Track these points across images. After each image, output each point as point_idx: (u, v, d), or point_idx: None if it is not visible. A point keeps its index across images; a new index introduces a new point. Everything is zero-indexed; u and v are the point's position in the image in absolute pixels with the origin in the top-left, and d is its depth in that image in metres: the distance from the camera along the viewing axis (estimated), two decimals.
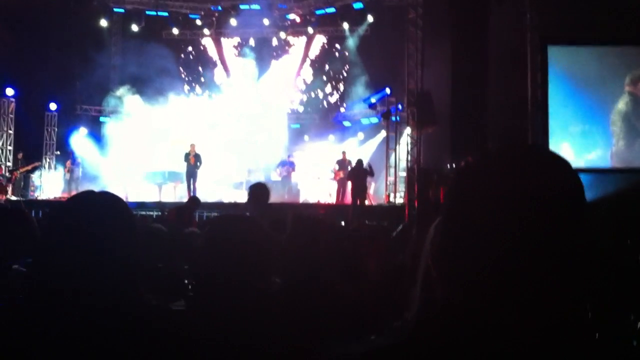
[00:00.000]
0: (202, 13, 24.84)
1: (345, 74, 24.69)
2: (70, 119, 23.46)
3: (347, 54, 24.27)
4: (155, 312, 1.74)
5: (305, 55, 25.50)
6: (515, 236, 1.01)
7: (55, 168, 22.93)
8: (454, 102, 13.91)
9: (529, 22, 15.36)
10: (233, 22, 24.25)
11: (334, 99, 25.36)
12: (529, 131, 15.05)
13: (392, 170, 19.38)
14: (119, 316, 1.61)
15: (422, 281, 1.25)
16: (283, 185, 20.19)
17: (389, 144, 19.41)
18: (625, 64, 15.02)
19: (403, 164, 18.57)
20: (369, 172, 17.00)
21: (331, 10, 23.68)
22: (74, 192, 15.50)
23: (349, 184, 17.41)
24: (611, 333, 1.08)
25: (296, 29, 24.87)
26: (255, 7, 23.99)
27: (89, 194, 1.81)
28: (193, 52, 26.09)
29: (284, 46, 25.60)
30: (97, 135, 23.74)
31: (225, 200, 19.29)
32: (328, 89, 25.36)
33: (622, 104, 14.86)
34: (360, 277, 2.93)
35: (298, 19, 24.58)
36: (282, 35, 24.89)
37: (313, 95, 25.52)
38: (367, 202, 17.06)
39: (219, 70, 26.19)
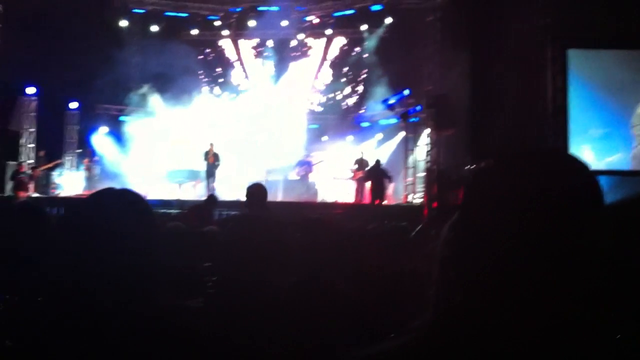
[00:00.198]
0: (221, 14, 24.90)
1: (364, 76, 24.64)
2: (90, 117, 23.64)
3: (365, 55, 24.21)
4: (173, 311, 1.74)
5: (324, 56, 25.48)
6: (530, 240, 1.01)
7: (77, 166, 23.12)
8: (473, 104, 13.86)
9: (549, 26, 15.24)
10: (252, 23, 24.29)
11: (352, 99, 25.33)
12: (548, 135, 14.94)
13: (410, 171, 19.32)
14: (136, 315, 1.61)
15: (437, 282, 1.25)
16: (301, 184, 20.20)
17: (408, 145, 19.35)
18: None
19: (422, 164, 18.51)
20: (387, 176, 16.96)
21: (350, 12, 23.65)
22: (93, 190, 15.55)
23: (368, 184, 17.39)
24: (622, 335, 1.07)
25: (314, 31, 24.85)
26: (274, 8, 24.01)
27: (109, 191, 1.81)
28: (212, 54, 26.16)
29: (303, 48, 25.60)
30: (117, 134, 23.90)
31: (244, 199, 19.28)
32: (347, 90, 25.33)
33: None
34: (378, 277, 2.93)
35: (316, 21, 24.56)
36: (301, 36, 24.89)
37: (332, 96, 25.50)
38: (385, 202, 17.02)
39: (237, 72, 26.25)
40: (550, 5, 15.11)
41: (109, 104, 24.52)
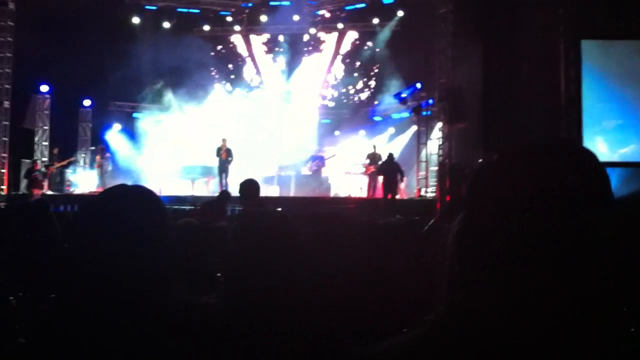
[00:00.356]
0: (233, 10, 24.93)
1: (375, 69, 24.59)
2: (103, 114, 23.77)
3: (377, 49, 24.14)
4: (187, 307, 1.75)
5: (337, 51, 25.44)
6: (532, 238, 1.00)
7: (90, 164, 23.25)
8: (485, 97, 13.79)
9: (562, 17, 15.13)
10: (263, 18, 24.30)
11: (364, 94, 25.29)
12: (562, 127, 14.86)
13: (423, 165, 19.27)
14: (151, 311, 1.62)
15: (448, 277, 1.25)
16: (314, 179, 20.21)
17: (420, 139, 19.30)
18: None
19: (434, 158, 18.46)
20: (400, 170, 16.93)
21: (361, 5, 23.59)
22: (106, 187, 15.60)
23: (380, 178, 17.36)
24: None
25: (326, 25, 24.82)
26: (286, 3, 24.00)
27: (122, 187, 1.81)
28: (224, 49, 26.18)
29: (315, 42, 25.57)
30: (130, 131, 24.02)
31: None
32: (358, 84, 25.29)
33: None
34: (390, 272, 2.92)
35: (328, 15, 24.53)
36: (312, 31, 24.86)
37: (344, 90, 25.47)
38: (398, 197, 16.99)
39: (249, 67, 26.28)
40: None
41: (122, 101, 24.64)
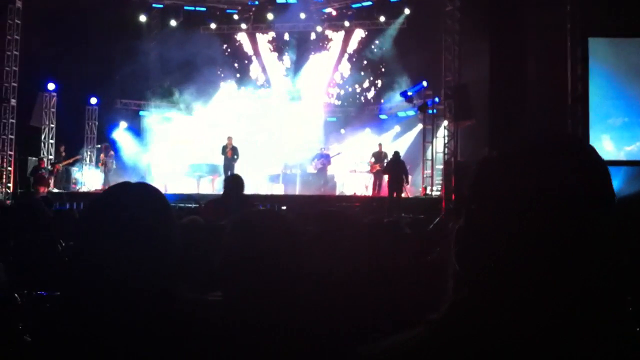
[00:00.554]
0: (239, 8, 24.96)
1: (382, 67, 24.57)
2: (110, 113, 23.82)
3: (384, 47, 24.13)
4: (191, 304, 1.75)
5: (344, 49, 25.43)
6: (532, 237, 1.00)
7: (96, 162, 23.31)
8: (492, 95, 13.75)
9: (569, 14, 15.07)
10: (270, 16, 24.32)
11: (370, 91, 25.28)
12: (568, 124, 14.82)
13: (428, 163, 19.25)
14: (155, 308, 1.61)
15: (454, 276, 1.24)
16: (319, 177, 20.21)
17: (426, 137, 19.28)
18: None
19: (440, 156, 18.43)
20: (405, 168, 16.91)
21: (368, 3, 23.60)
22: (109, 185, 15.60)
23: (386, 177, 17.35)
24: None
25: (333, 23, 24.83)
26: (292, 1, 24.01)
27: (125, 184, 1.81)
28: (231, 47, 26.21)
29: (322, 40, 25.57)
30: (136, 129, 24.07)
31: (262, 193, 19.37)
32: (364, 81, 25.28)
33: None
34: (395, 271, 2.92)
35: (334, 13, 24.53)
36: (319, 29, 24.86)
37: (350, 88, 25.47)
38: (403, 195, 16.98)
39: (255, 66, 26.29)
40: None
41: (128, 99, 24.69)
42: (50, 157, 21.60)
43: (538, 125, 13.42)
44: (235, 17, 25.02)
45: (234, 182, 6.79)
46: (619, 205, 1.09)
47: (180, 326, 1.62)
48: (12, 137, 19.78)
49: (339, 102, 25.67)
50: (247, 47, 26.19)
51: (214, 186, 20.57)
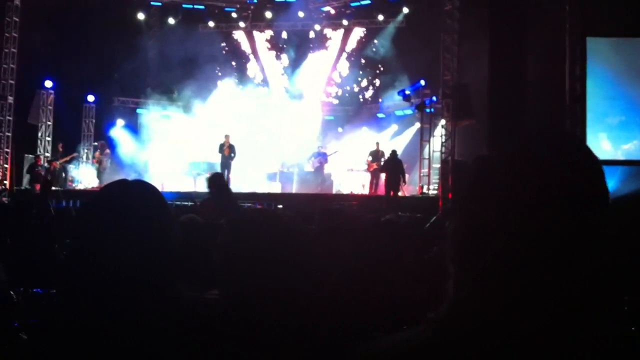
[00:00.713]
0: (238, 6, 24.94)
1: (380, 66, 24.56)
2: (107, 110, 23.79)
3: (382, 46, 24.12)
4: (190, 302, 1.74)
5: (342, 48, 25.42)
6: (529, 237, 1.00)
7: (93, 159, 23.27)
8: (491, 94, 13.76)
9: (568, 14, 15.10)
10: (268, 15, 24.30)
11: (368, 90, 25.27)
12: (566, 123, 14.86)
13: (426, 162, 19.26)
14: (154, 306, 1.61)
15: (453, 276, 1.24)
16: (316, 176, 20.20)
17: (423, 136, 19.28)
18: None
19: (437, 155, 18.43)
20: (402, 167, 16.92)
21: (366, 2, 23.59)
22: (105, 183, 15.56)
23: (382, 176, 17.35)
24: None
25: (331, 22, 24.81)
26: None
27: (123, 182, 1.80)
28: (229, 46, 26.19)
29: (321, 39, 25.55)
30: (133, 127, 24.04)
31: (259, 191, 19.36)
32: (363, 80, 25.27)
33: None
34: (393, 271, 2.92)
35: (333, 11, 24.52)
36: (317, 27, 24.84)
37: (348, 87, 25.46)
38: (400, 194, 16.99)
39: (253, 64, 26.27)
40: None
41: (126, 97, 24.66)
42: (47, 154, 21.56)
43: (537, 124, 13.41)
44: (234, 15, 24.98)
45: (219, 180, 6.82)
46: (617, 205, 1.09)
47: (180, 324, 1.62)
48: (9, 134, 19.76)
49: (337, 101, 25.66)
50: (245, 46, 26.17)
51: None
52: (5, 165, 19.61)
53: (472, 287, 1.05)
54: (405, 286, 2.78)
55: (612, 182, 12.99)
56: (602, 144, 14.38)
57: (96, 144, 23.05)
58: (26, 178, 19.88)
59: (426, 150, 19.17)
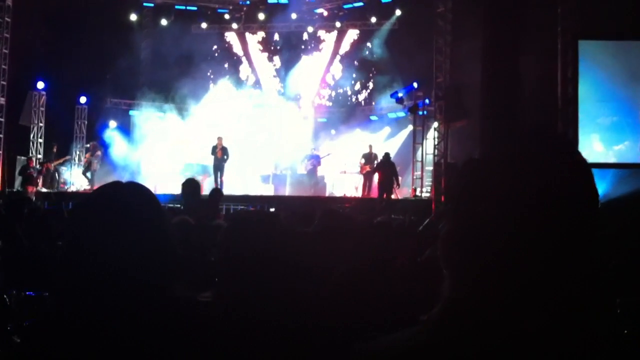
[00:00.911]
0: (231, 7, 24.92)
1: (373, 68, 24.59)
2: (100, 112, 23.71)
3: (375, 48, 24.14)
4: (185, 304, 1.74)
5: (336, 50, 25.43)
6: (527, 234, 1.00)
7: None
8: (484, 96, 13.80)
9: (560, 17, 15.18)
10: (261, 16, 24.30)
11: (361, 92, 25.29)
12: (559, 125, 14.93)
13: (418, 164, 19.28)
14: (149, 307, 1.60)
15: (449, 277, 1.25)
16: (309, 178, 20.19)
17: (416, 138, 19.30)
18: None
19: (430, 158, 18.46)
20: (394, 170, 16.94)
21: (359, 4, 23.62)
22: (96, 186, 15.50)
23: (375, 178, 17.36)
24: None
25: (324, 23, 24.82)
26: (284, 1, 24.00)
27: (116, 183, 1.79)
28: (222, 47, 26.17)
29: (314, 41, 25.55)
30: (126, 129, 23.97)
31: (252, 194, 19.34)
32: (356, 82, 25.28)
33: None
34: (388, 272, 2.92)
35: (326, 13, 24.53)
36: (310, 29, 24.85)
37: (341, 89, 25.47)
38: (393, 196, 17.00)
39: (245, 66, 26.26)
40: None
41: (119, 98, 24.59)
42: (39, 156, 21.46)
43: (530, 126, 13.45)
44: (227, 16, 24.97)
45: (187, 187, 6.86)
46: (608, 207, 1.10)
47: (174, 326, 1.62)
48: (1, 136, 19.66)
49: (330, 103, 25.66)
50: (238, 48, 26.15)
51: (204, 186, 20.50)
52: None
53: (471, 287, 1.06)
54: (402, 286, 2.78)
55: (604, 184, 13.06)
56: (594, 145, 14.48)
57: (88, 145, 22.94)
58: (18, 180, 19.77)
59: (419, 152, 19.20)
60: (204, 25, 24.95)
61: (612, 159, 14.59)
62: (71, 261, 1.67)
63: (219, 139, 18.99)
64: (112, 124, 23.61)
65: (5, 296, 2.89)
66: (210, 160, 19.30)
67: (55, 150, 21.44)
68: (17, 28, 19.61)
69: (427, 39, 18.62)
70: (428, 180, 18.62)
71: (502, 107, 12.60)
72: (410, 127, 20.33)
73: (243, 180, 20.93)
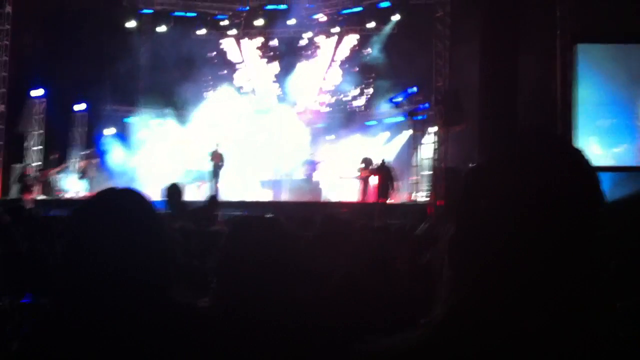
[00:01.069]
0: (230, 14, 24.93)
1: (372, 73, 24.60)
2: (98, 119, 23.65)
3: (374, 53, 24.15)
4: (183, 310, 1.74)
5: (334, 56, 25.44)
6: (526, 239, 1.00)
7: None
8: (482, 100, 13.82)
9: (559, 20, 15.22)
10: (260, 22, 24.32)
11: (360, 98, 25.30)
12: (557, 129, 14.95)
13: (415, 169, 19.29)
14: (147, 313, 1.60)
15: (450, 279, 1.25)
16: (306, 184, 20.19)
17: (414, 143, 19.32)
18: None
19: (426, 162, 18.45)
20: (391, 175, 16.96)
21: (358, 9, 23.64)
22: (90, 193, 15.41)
23: (372, 183, 17.37)
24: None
25: (322, 29, 24.85)
26: (283, 7, 24.03)
27: (112, 190, 1.81)
28: (220, 53, 26.17)
29: (312, 47, 25.57)
30: (124, 135, 23.93)
31: (249, 199, 19.29)
32: (354, 87, 25.29)
33: None
34: (388, 275, 2.92)
35: (324, 19, 24.55)
36: (309, 35, 24.87)
37: (339, 94, 25.48)
38: (390, 201, 17.01)
39: (244, 72, 26.26)
40: (560, 0, 15.12)
41: (117, 105, 24.56)
42: (35, 163, 21.37)
43: (528, 130, 13.46)
44: (225, 22, 24.97)
45: (173, 191, 6.88)
46: (607, 209, 1.10)
47: (172, 331, 1.61)
48: (1, 143, 19.62)
49: (329, 109, 25.66)
50: (236, 54, 26.16)
51: (201, 192, 20.46)
52: None
53: (471, 288, 1.06)
54: (401, 288, 2.78)
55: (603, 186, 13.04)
56: (593, 147, 14.51)
57: (84, 152, 22.85)
58: (14, 188, 19.67)
59: (416, 157, 19.20)
60: (203, 31, 24.92)
61: (610, 162, 14.62)
62: (68, 265, 1.67)
63: (217, 145, 19.05)
64: (111, 130, 23.57)
65: (1, 303, 2.89)
66: (208, 167, 19.32)
67: (57, 157, 21.36)
68: (16, 34, 19.62)
69: (426, 44, 18.65)
70: (425, 185, 18.61)
71: (500, 107, 12.62)
72: (409, 132, 20.35)
73: (243, 184, 20.93)
